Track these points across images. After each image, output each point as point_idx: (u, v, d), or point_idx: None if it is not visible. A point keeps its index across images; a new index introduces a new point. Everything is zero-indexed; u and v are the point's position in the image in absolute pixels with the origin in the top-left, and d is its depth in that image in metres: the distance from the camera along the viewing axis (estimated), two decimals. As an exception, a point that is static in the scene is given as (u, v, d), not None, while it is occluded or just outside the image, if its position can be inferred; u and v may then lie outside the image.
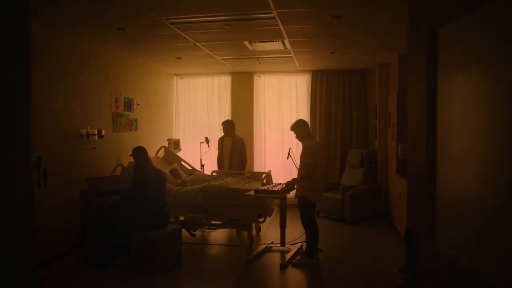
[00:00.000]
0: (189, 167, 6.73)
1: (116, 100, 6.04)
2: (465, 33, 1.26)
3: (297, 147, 6.21)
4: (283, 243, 5.12)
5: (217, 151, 6.91)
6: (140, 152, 4.49)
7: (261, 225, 5.94)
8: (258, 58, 6.48)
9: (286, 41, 5.33)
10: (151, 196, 4.33)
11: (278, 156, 7.88)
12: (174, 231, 4.41)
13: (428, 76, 1.41)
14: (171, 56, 6.39)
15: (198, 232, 5.81)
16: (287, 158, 5.15)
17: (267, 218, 5.64)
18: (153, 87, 7.39)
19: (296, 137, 4.79)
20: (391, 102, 6.56)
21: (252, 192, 4.90)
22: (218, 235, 5.88)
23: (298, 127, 4.73)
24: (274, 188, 4.86)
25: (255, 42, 5.47)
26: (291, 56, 6.37)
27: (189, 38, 5.13)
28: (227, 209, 5.29)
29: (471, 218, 1.21)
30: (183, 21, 4.39)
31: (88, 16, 4.19)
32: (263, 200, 5.17)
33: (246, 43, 5.47)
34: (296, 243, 5.19)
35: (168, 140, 7.61)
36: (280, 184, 5.14)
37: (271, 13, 4.07)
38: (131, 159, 5.38)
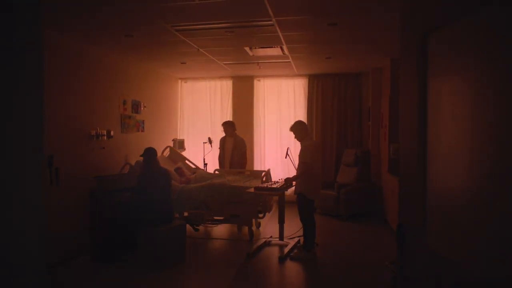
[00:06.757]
0: (193, 166, 6.73)
1: (124, 102, 6.04)
2: (454, 39, 1.26)
3: (295, 147, 6.21)
4: (281, 237, 5.13)
5: (219, 150, 6.90)
6: (148, 153, 4.52)
7: (261, 220, 5.94)
8: (258, 63, 6.48)
9: (285, 47, 5.33)
10: (156, 194, 4.34)
11: (277, 155, 7.90)
12: (178, 226, 4.41)
13: (418, 79, 1.42)
14: (176, 61, 6.39)
15: (201, 228, 5.82)
16: (285, 157, 5.15)
17: (267, 214, 5.64)
18: (159, 90, 7.39)
19: (295, 137, 4.80)
20: (383, 104, 6.56)
21: (252, 190, 4.90)
22: (220, 230, 5.88)
23: (297, 128, 4.73)
24: (273, 186, 4.87)
25: (255, 48, 5.47)
26: (289, 61, 6.37)
27: (193, 44, 5.13)
28: (228, 205, 5.30)
29: (459, 214, 1.22)
30: (187, 28, 4.39)
31: (97, 23, 4.19)
32: (263, 197, 5.17)
33: (247, 48, 5.48)
34: (294, 238, 5.20)
35: (173, 140, 7.62)
36: (279, 181, 5.14)
37: (270, 20, 4.07)
38: (139, 158, 5.39)
